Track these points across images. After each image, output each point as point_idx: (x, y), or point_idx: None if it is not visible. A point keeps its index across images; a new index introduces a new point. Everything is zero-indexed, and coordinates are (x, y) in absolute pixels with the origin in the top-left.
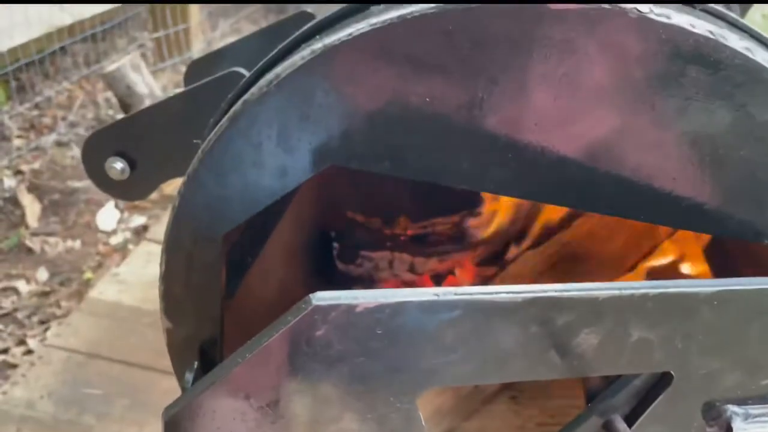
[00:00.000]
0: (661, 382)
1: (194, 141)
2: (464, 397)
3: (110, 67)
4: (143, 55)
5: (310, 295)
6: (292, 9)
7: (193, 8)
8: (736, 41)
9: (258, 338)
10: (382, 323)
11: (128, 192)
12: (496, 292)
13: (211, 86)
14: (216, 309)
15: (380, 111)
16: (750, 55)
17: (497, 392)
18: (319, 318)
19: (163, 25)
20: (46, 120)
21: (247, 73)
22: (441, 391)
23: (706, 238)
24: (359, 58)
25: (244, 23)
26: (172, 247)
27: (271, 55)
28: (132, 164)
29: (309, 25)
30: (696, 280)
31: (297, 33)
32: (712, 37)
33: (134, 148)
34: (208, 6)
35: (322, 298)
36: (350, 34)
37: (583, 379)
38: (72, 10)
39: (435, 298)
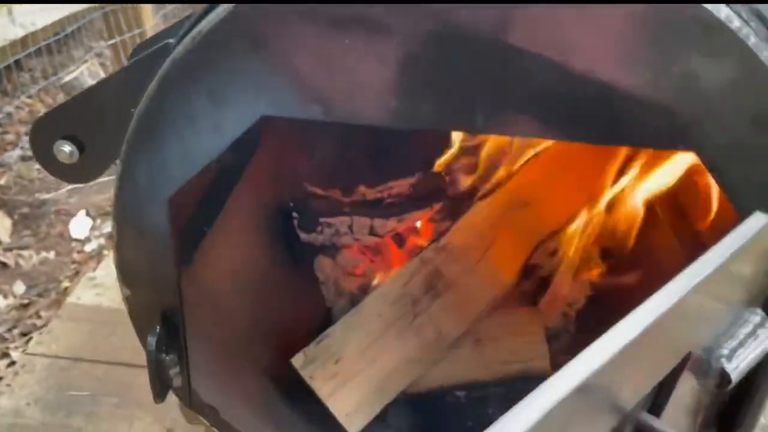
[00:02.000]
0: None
1: (131, 110)
2: (429, 345)
3: (68, 77)
4: (102, 64)
5: None
6: None
7: (147, 12)
8: None
9: None
10: None
11: (80, 175)
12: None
13: (147, 60)
14: (171, 274)
15: (300, 60)
16: None
17: (461, 337)
18: None
19: (118, 31)
20: (10, 136)
21: None
22: (404, 340)
23: None
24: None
25: None
26: (120, 214)
27: (194, 17)
28: (80, 147)
29: None
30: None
31: None
32: None
33: (80, 130)
34: (162, 8)
35: None
36: None
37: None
38: (24, 22)
39: None
